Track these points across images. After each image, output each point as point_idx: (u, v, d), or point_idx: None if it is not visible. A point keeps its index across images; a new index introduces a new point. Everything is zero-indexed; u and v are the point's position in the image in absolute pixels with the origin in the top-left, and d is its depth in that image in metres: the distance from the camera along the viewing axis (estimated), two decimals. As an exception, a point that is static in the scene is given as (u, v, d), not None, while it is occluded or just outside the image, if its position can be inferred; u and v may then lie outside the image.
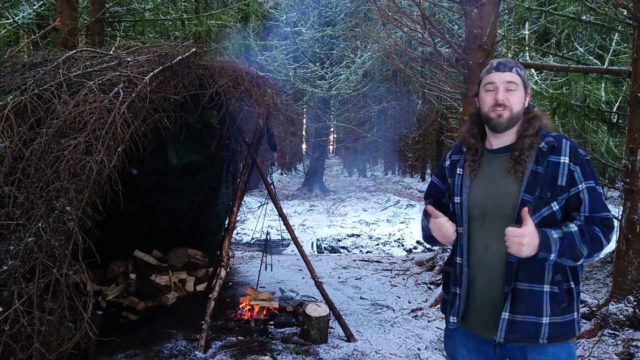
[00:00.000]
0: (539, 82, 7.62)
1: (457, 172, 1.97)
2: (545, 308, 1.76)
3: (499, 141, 1.90)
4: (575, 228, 1.73)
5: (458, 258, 1.92)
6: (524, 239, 1.66)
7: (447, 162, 2.06)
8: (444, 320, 2.10)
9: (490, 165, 1.91)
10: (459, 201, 1.92)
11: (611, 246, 6.65)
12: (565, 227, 1.73)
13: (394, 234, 11.79)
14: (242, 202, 5.53)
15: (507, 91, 1.85)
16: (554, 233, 1.71)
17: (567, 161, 1.77)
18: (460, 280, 1.90)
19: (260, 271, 5.85)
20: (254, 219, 7.01)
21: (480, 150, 1.94)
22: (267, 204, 5.24)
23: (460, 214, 1.91)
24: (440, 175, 2.10)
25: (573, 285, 1.81)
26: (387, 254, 9.73)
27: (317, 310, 4.37)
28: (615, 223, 4.93)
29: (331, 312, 4.50)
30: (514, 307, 1.78)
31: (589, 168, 1.78)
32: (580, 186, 1.76)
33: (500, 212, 1.81)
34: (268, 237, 6.00)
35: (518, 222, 1.74)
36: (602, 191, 1.79)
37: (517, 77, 1.86)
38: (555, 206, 1.77)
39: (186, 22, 9.03)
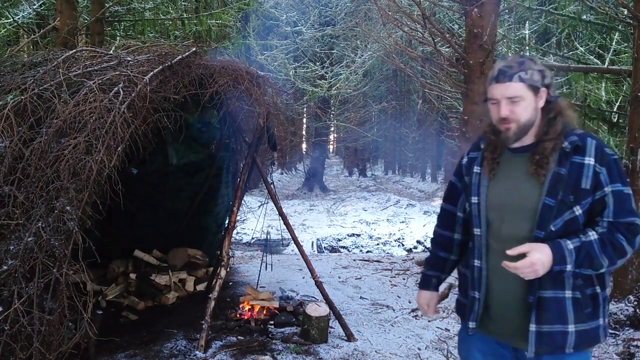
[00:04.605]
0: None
1: (475, 170, 1.86)
2: (570, 315, 1.67)
3: (518, 141, 1.79)
4: (596, 236, 1.63)
5: (476, 261, 1.83)
6: (534, 266, 1.60)
7: (465, 160, 1.96)
8: (460, 323, 2.01)
9: (510, 165, 1.80)
10: (476, 201, 1.83)
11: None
12: (584, 236, 1.63)
13: (394, 234, 11.80)
14: (242, 201, 5.52)
15: (511, 104, 1.71)
16: (569, 244, 1.62)
17: (592, 162, 1.65)
18: (480, 284, 1.82)
19: (260, 271, 5.85)
20: (254, 219, 6.99)
21: (500, 148, 1.82)
22: (267, 203, 5.23)
23: (477, 215, 1.82)
24: (458, 173, 1.99)
25: (599, 290, 1.71)
26: (387, 253, 9.73)
27: (317, 310, 4.37)
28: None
29: (331, 312, 4.49)
30: (540, 318, 1.68)
31: (616, 169, 1.66)
32: (606, 189, 1.65)
33: (520, 215, 1.72)
34: (268, 236, 6.00)
35: (539, 227, 1.67)
36: (630, 193, 1.67)
37: (519, 85, 1.69)
38: (578, 210, 1.66)
39: (186, 22, 9.02)
